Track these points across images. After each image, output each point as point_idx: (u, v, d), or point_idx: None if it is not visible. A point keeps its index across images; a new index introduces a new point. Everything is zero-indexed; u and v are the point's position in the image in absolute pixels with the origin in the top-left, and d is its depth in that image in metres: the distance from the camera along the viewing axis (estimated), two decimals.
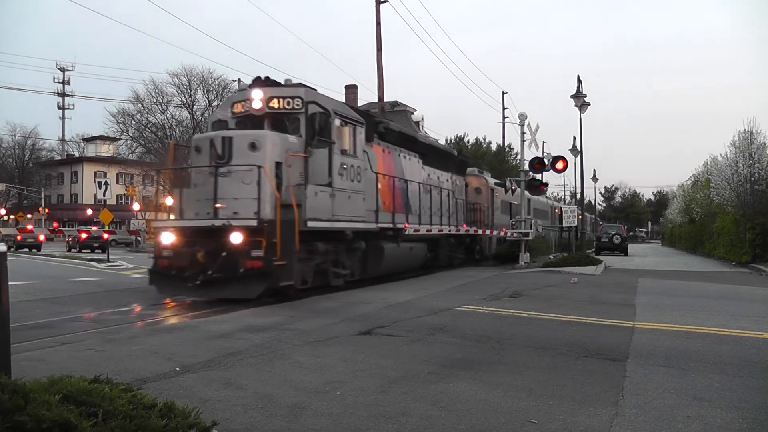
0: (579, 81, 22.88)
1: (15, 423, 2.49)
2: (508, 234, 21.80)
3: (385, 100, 25.43)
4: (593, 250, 32.83)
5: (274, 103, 11.32)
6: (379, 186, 13.63)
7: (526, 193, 24.64)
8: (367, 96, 72.47)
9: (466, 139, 47.70)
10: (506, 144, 47.88)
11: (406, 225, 14.89)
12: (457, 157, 21.31)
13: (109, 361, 5.47)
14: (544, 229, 31.34)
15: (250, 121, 11.50)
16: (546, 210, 35.38)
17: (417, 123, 50.46)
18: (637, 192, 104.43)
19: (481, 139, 48.12)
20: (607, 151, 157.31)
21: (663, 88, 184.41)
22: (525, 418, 4.01)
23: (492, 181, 24.77)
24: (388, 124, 15.41)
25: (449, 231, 18.55)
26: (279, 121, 11.45)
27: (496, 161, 43.55)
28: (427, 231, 16.46)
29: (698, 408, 4.27)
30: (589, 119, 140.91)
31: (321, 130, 11.24)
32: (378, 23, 23.94)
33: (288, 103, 11.31)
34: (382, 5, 24.05)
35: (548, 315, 8.73)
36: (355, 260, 12.87)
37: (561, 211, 38.31)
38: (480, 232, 21.66)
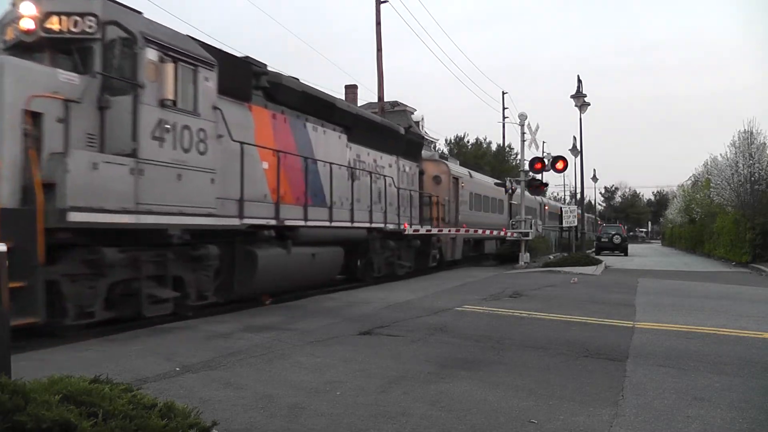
0: (579, 81, 22.91)
1: (15, 423, 2.49)
2: (509, 234, 21.68)
3: (385, 100, 25.41)
4: (593, 250, 32.83)
5: (53, 23, 7.39)
6: (263, 166, 9.82)
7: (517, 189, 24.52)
8: (367, 96, 72.52)
9: (466, 139, 47.66)
10: (506, 144, 47.91)
11: (303, 222, 10.80)
12: (405, 136, 16.20)
13: (109, 361, 5.47)
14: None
15: (21, 51, 7.41)
16: (534, 207, 31.40)
17: (417, 123, 50.46)
18: (637, 192, 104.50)
19: (482, 139, 48.06)
20: (607, 151, 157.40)
21: (663, 88, 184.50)
22: (525, 418, 4.01)
23: (458, 169, 20.40)
24: (280, 78, 10.89)
25: (383, 228, 13.99)
26: (63, 51, 7.56)
27: (496, 161, 43.51)
28: (342, 226, 12.17)
29: (698, 408, 4.28)
30: (590, 119, 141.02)
31: (122, 65, 7.44)
32: (378, 23, 23.94)
33: (75, 24, 7.38)
34: (382, 5, 24.04)
35: (548, 315, 8.73)
36: (202, 275, 8.69)
37: (550, 208, 35.88)
38: (436, 230, 17.09)
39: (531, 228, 20.44)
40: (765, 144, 25.33)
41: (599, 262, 20.52)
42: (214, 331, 7.21)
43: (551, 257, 23.88)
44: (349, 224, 12.48)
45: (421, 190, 17.30)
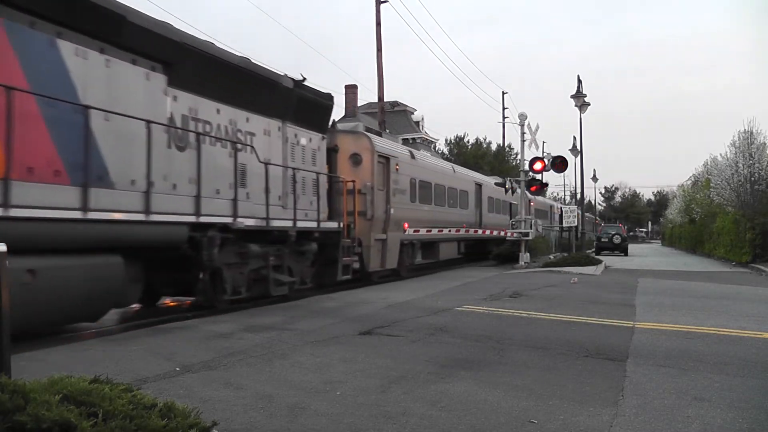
0: (579, 81, 22.91)
1: (15, 423, 2.49)
2: (509, 234, 21.62)
3: (385, 99, 25.41)
4: (593, 250, 32.83)
5: None
6: None
7: (492, 181, 23.44)
8: (367, 96, 72.57)
9: (466, 139, 47.67)
10: (506, 144, 47.93)
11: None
12: (294, 91, 10.95)
13: (109, 361, 5.47)
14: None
15: None
16: (512, 202, 27.01)
17: (417, 123, 50.32)
18: (637, 192, 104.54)
19: (482, 139, 48.05)
20: (607, 151, 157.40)
21: (663, 88, 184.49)
22: (525, 418, 4.01)
23: (389, 146, 15.11)
24: None
25: (233, 224, 9.15)
26: None
27: (496, 161, 43.52)
28: (114, 220, 7.18)
29: (698, 408, 4.28)
30: (590, 119, 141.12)
31: None
32: (378, 23, 23.95)
33: None
34: (382, 5, 24.05)
35: (548, 315, 8.73)
36: None
37: (537, 204, 35.67)
38: (339, 225, 12.11)
39: (531, 228, 20.43)
40: (765, 144, 25.34)
41: (599, 262, 20.52)
42: (214, 331, 7.22)
43: (551, 257, 23.87)
44: (141, 216, 7.49)
45: (332, 173, 12.71)
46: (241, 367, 5.40)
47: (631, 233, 77.47)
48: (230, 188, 9.30)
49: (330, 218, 12.19)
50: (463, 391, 4.68)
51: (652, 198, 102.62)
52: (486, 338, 6.88)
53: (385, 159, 14.61)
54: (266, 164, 10.06)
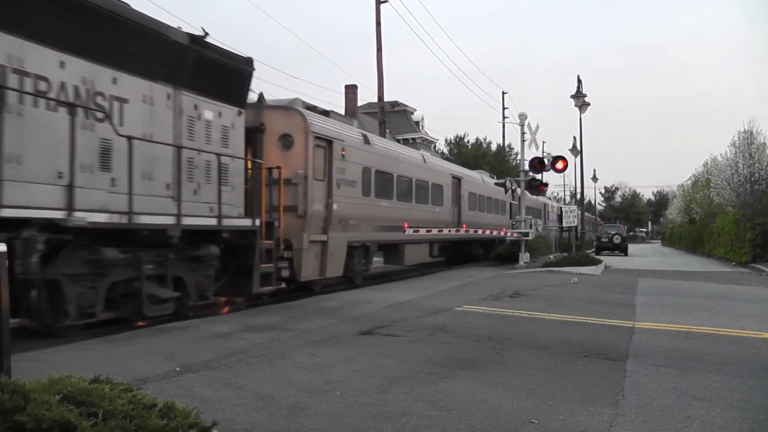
0: (579, 81, 22.91)
1: (15, 423, 2.49)
2: (509, 234, 21.62)
3: (385, 99, 25.41)
4: (593, 250, 32.83)
5: None
6: None
7: (481, 178, 22.07)
8: (367, 96, 72.53)
9: (466, 139, 47.69)
10: (506, 144, 47.94)
11: None
12: (191, 48, 8.47)
13: (109, 361, 5.47)
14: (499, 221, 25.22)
15: None
16: (498, 198, 24.97)
17: (417, 123, 50.27)
18: (637, 192, 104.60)
19: (482, 139, 48.07)
20: (607, 151, 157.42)
21: (663, 88, 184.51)
22: (525, 418, 4.01)
23: (330, 127, 12.23)
24: None
25: (66, 220, 6.42)
26: None
27: (496, 161, 43.52)
28: None
29: (698, 408, 4.28)
30: (590, 119, 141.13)
31: None
32: (378, 23, 23.94)
33: None
34: (382, 5, 24.04)
35: (548, 315, 8.73)
36: None
37: (528, 202, 33.72)
38: (254, 223, 9.38)
39: (531, 228, 20.43)
40: (765, 144, 25.36)
41: (599, 262, 20.51)
42: (214, 331, 7.22)
43: (551, 257, 23.86)
44: None
45: (252, 158, 10.09)
46: (241, 367, 5.40)
47: (631, 233, 77.49)
48: (85, 171, 6.84)
49: (251, 214, 9.55)
50: (463, 391, 4.68)
51: (652, 198, 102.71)
52: (486, 338, 6.88)
53: (326, 142, 11.71)
54: (129, 139, 7.21)
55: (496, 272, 17.60)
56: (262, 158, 10.34)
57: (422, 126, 49.38)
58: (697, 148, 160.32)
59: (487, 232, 22.58)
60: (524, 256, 19.97)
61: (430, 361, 5.68)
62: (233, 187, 9.28)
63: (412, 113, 49.41)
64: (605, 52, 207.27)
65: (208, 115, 8.93)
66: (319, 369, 5.35)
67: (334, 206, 11.85)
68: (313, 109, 12.38)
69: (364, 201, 13.33)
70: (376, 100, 25.55)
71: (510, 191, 22.19)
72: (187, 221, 8.05)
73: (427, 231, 16.91)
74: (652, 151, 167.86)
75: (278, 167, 10.24)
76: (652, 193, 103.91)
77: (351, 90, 40.10)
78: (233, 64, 9.41)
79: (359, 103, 42.03)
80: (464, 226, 20.10)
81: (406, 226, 15.43)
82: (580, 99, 22.97)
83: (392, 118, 41.60)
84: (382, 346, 6.42)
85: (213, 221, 8.65)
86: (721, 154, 28.12)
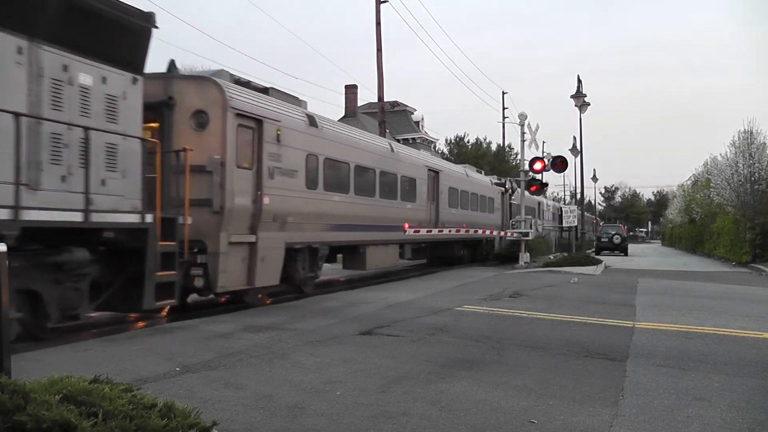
0: (579, 81, 22.92)
1: (15, 423, 2.49)
2: (509, 234, 21.59)
3: (385, 100, 25.40)
4: (593, 250, 32.84)
5: None
6: None
7: (464, 172, 20.37)
8: (367, 96, 72.47)
9: (466, 139, 47.70)
10: (506, 144, 47.95)
11: None
12: None
13: (109, 361, 5.47)
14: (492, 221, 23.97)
15: None
16: (485, 195, 22.82)
17: (417, 123, 50.22)
18: (637, 192, 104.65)
19: (482, 139, 48.07)
20: (607, 151, 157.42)
21: (663, 89, 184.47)
22: (525, 418, 4.01)
23: (263, 104, 10.04)
24: None
25: None
26: None
27: (496, 161, 43.52)
28: None
29: (698, 408, 4.28)
30: (590, 119, 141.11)
31: None
32: (378, 23, 23.94)
33: None
34: (382, 5, 24.04)
35: (548, 315, 8.73)
36: None
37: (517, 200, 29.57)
38: (143, 219, 7.28)
39: (531, 228, 20.43)
40: (765, 144, 25.37)
41: (599, 262, 20.52)
42: (214, 331, 7.21)
43: (551, 257, 23.86)
44: None
45: (151, 139, 7.90)
46: (241, 367, 5.40)
47: (631, 233, 77.49)
48: None
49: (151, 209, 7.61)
50: (463, 391, 4.68)
51: (652, 198, 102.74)
52: (486, 338, 6.88)
53: (255, 122, 9.50)
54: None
55: (496, 272, 17.60)
56: (172, 139, 8.56)
57: (422, 126, 49.36)
58: (697, 148, 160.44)
59: (472, 231, 20.46)
60: (524, 256, 19.97)
61: (430, 361, 5.68)
62: (124, 173, 7.15)
63: (412, 113, 49.41)
64: (605, 52, 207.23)
65: (85, 79, 6.83)
66: (319, 369, 5.35)
67: (266, 200, 9.58)
68: (246, 84, 10.15)
69: (309, 195, 10.94)
70: (376, 100, 25.54)
71: (509, 191, 22.17)
72: (41, 216, 6.05)
73: (395, 231, 14.80)
74: (652, 151, 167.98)
75: (184, 149, 8.23)
76: (652, 193, 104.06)
77: (351, 90, 40.11)
78: (123, 16, 7.29)
79: (359, 103, 42.05)
80: (443, 225, 18.04)
81: (370, 224, 13.47)
82: (580, 99, 22.98)
83: (392, 118, 41.58)
84: (382, 346, 6.42)
85: (76, 216, 6.47)
86: (721, 154, 28.16)
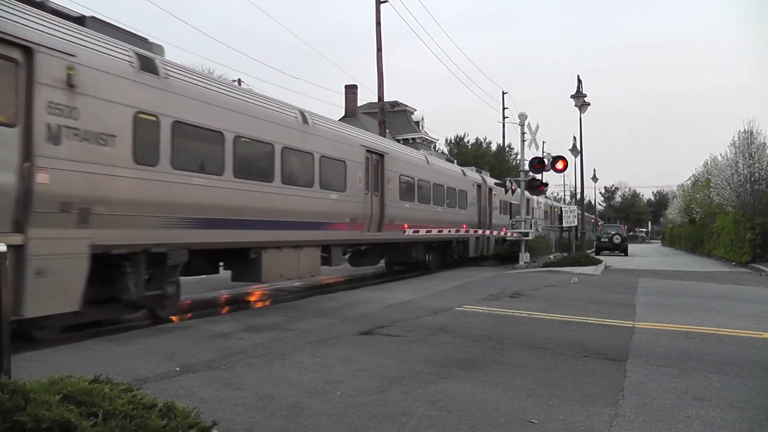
0: (579, 81, 22.92)
1: (15, 423, 2.49)
2: (509, 234, 21.54)
3: (385, 99, 25.40)
4: (593, 250, 32.84)
5: None
6: None
7: (425, 159, 17.28)
8: (367, 96, 72.49)
9: (466, 139, 47.69)
10: (506, 144, 47.95)
11: None
12: None
13: (109, 361, 5.47)
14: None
15: None
16: (454, 187, 19.58)
17: (417, 123, 50.19)
18: (637, 192, 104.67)
19: (482, 139, 48.07)
20: (607, 151, 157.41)
21: (663, 89, 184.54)
22: (525, 418, 4.01)
23: (32, 23, 6.29)
24: None
25: None
26: None
27: (496, 161, 43.53)
28: None
29: (698, 408, 4.28)
30: (590, 119, 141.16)
31: None
32: (378, 23, 23.94)
33: None
34: (382, 5, 24.05)
35: (548, 315, 8.73)
36: None
37: (505, 197, 25.03)
38: None
39: (531, 228, 20.43)
40: (765, 144, 25.34)
41: (599, 262, 20.51)
42: (214, 331, 7.22)
43: (551, 257, 23.84)
44: None
45: None
46: (241, 367, 5.40)
47: (631, 233, 77.50)
48: None
49: None
50: (463, 391, 4.68)
51: (652, 198, 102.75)
52: (486, 338, 6.88)
53: (20, 51, 6.22)
54: None
55: (496, 272, 17.60)
56: None
57: (422, 126, 49.39)
58: (697, 148, 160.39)
59: (436, 230, 16.92)
60: (524, 256, 19.97)
61: (430, 361, 5.68)
62: None
63: (412, 113, 49.43)
64: (605, 52, 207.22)
65: None
66: (319, 369, 5.35)
67: (42, 177, 6.31)
68: (40, 5, 6.85)
69: (142, 173, 7.63)
70: (376, 100, 25.54)
71: (510, 191, 22.15)
72: None
73: (312, 229, 11.29)
74: (652, 151, 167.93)
75: None
76: (652, 193, 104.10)
77: (351, 90, 40.14)
78: None
79: (359, 103, 42.06)
80: (392, 222, 14.57)
81: (267, 220, 10.00)
82: (580, 99, 22.98)
83: (392, 118, 41.60)
84: (382, 346, 6.42)
85: None
86: (721, 154, 28.12)
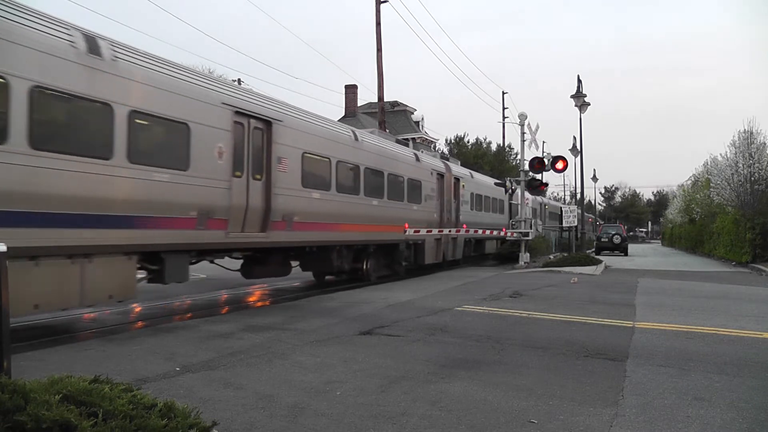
0: (579, 81, 22.91)
1: (15, 423, 2.49)
2: (509, 234, 21.50)
3: (385, 99, 25.41)
4: (593, 249, 32.83)
5: None
6: None
7: (352, 135, 12.79)
8: (367, 96, 72.51)
9: (466, 139, 47.68)
10: (506, 144, 47.93)
11: None
12: None
13: (109, 361, 5.48)
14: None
15: None
16: (400, 174, 15.20)
17: (417, 123, 50.14)
18: (637, 192, 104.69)
19: (482, 139, 48.05)
20: (607, 151, 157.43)
21: (663, 89, 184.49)
22: (525, 418, 4.01)
23: None
24: None
25: None
26: None
27: (496, 161, 43.52)
28: None
29: (698, 408, 4.27)
30: (590, 119, 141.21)
31: None
32: (378, 23, 23.94)
33: None
34: (382, 5, 24.05)
35: (548, 315, 8.72)
36: None
37: (483, 190, 22.54)
38: None
39: (531, 228, 20.42)
40: (765, 144, 25.33)
41: (599, 262, 20.51)
42: (214, 331, 7.22)
43: (551, 257, 23.83)
44: None
45: None
46: (241, 367, 5.40)
47: (631, 233, 77.48)
48: None
49: None
50: (463, 391, 4.68)
51: (652, 198, 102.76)
52: (486, 338, 6.88)
53: None
54: None
55: (496, 272, 17.60)
56: None
57: (422, 126, 49.39)
58: (697, 148, 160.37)
59: (371, 231, 13.51)
60: (524, 256, 19.97)
61: (430, 361, 5.67)
62: None
63: (412, 113, 49.43)
64: (605, 52, 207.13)
65: None
66: (319, 369, 5.35)
67: None
68: None
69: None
70: (376, 100, 25.54)
71: (509, 191, 22.12)
72: None
73: (95, 227, 7.10)
74: (652, 151, 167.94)
75: None
76: (652, 193, 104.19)
77: (351, 90, 40.15)
78: None
79: (359, 103, 42.07)
80: (293, 217, 10.63)
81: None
82: (580, 99, 22.97)
83: (392, 118, 41.60)
84: (382, 346, 6.42)
85: None
86: (721, 154, 28.12)
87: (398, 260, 15.57)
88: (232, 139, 9.29)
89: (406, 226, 15.36)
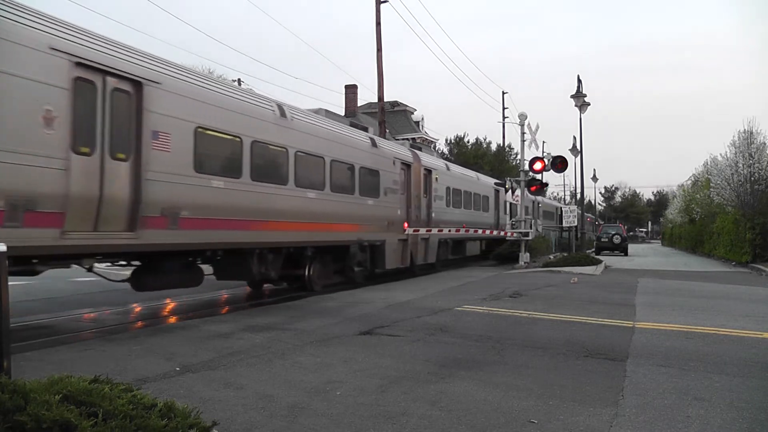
0: (579, 81, 22.91)
1: (15, 423, 2.49)
2: (509, 234, 21.48)
3: (385, 99, 25.39)
4: (593, 249, 32.83)
5: None
6: None
7: (278, 109, 10.01)
8: (367, 96, 72.53)
9: (466, 139, 47.68)
10: (506, 144, 47.91)
11: None
12: None
13: (109, 361, 5.47)
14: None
15: None
16: (351, 162, 12.84)
17: (417, 123, 50.12)
18: (637, 192, 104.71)
19: (482, 139, 48.05)
20: (607, 151, 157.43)
21: (663, 89, 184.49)
22: (525, 418, 4.01)
23: None
24: None
25: None
26: None
27: (496, 161, 43.51)
28: None
29: (698, 408, 4.27)
30: (590, 119, 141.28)
31: None
32: (378, 23, 23.93)
33: None
34: (382, 5, 24.03)
35: (548, 315, 8.72)
36: None
37: (468, 186, 20.82)
38: None
39: (531, 228, 20.42)
40: (765, 144, 25.34)
41: (599, 262, 20.51)
42: (214, 331, 7.22)
43: (551, 257, 23.83)
44: None
45: None
46: (241, 367, 5.40)
47: (631, 233, 77.48)
48: None
49: None
50: (463, 391, 4.68)
51: (652, 198, 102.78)
52: (486, 338, 6.88)
53: None
54: None
55: (496, 272, 17.59)
56: None
57: (422, 126, 49.39)
58: (697, 148, 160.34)
59: (295, 231, 10.82)
60: (524, 256, 19.98)
61: (430, 361, 5.67)
62: None
63: (412, 113, 49.43)
64: (605, 52, 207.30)
65: None
66: (319, 369, 5.35)
67: None
68: None
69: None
70: (376, 100, 25.53)
71: (510, 191, 22.10)
72: None
73: None
74: (652, 151, 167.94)
75: None
76: (652, 193, 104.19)
77: (351, 90, 40.12)
78: None
79: (359, 103, 42.05)
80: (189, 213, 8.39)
81: None
82: (580, 99, 22.97)
83: (392, 118, 41.60)
84: (382, 346, 6.42)
85: None
86: (721, 154, 28.13)
87: (349, 266, 13.16)
88: (72, 102, 6.71)
89: (357, 225, 13.01)
